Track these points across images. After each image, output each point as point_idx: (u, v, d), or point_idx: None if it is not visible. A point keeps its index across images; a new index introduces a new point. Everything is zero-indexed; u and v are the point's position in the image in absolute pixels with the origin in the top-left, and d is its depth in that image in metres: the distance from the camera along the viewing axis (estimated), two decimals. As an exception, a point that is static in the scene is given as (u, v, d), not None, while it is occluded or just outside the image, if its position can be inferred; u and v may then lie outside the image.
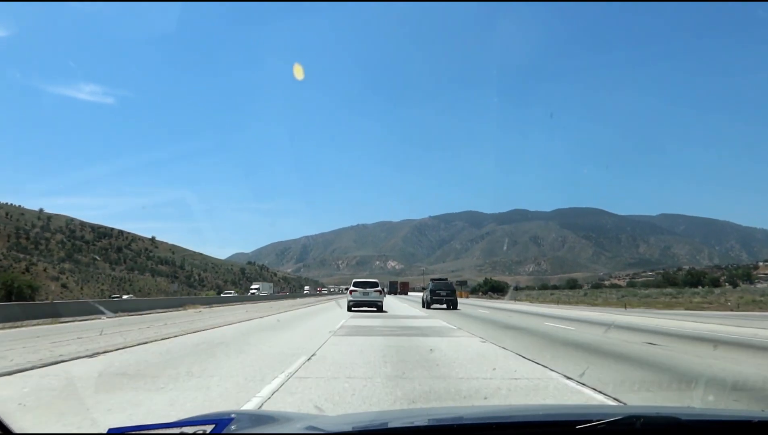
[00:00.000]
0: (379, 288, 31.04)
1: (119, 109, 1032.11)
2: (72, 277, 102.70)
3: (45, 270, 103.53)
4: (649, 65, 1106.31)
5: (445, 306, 36.03)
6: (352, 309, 29.49)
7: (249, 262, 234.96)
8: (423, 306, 38.49)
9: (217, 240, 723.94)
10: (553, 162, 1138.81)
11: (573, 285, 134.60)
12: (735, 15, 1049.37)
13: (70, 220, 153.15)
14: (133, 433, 1.88)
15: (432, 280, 43.84)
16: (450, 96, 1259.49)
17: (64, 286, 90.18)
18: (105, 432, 1.83)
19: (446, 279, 49.17)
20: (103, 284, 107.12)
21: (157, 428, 1.91)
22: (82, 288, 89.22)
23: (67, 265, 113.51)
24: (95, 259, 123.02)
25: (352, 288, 30.82)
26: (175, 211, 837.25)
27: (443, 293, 37.23)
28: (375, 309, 29.72)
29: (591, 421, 1.94)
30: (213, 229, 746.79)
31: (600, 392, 6.30)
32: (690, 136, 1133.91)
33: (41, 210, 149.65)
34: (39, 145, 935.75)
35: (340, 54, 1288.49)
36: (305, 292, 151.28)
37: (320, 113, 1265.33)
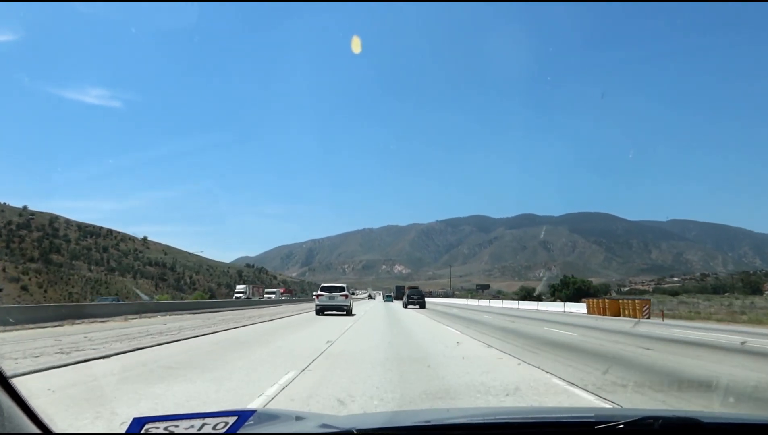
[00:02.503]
0: (345, 292, 31.85)
1: (126, 113, 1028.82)
2: (37, 278, 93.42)
3: (4, 269, 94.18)
4: (659, 69, 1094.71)
5: (417, 306, 52.17)
6: (324, 313, 30.78)
7: (247, 265, 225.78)
8: (403, 306, 54.14)
9: (222, 244, 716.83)
10: (561, 166, 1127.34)
11: (604, 290, 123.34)
12: (750, 15, 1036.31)
13: (54, 218, 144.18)
14: (158, 423, 1.86)
15: (409, 287, 68.58)
16: (458, 100, 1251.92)
17: (23, 288, 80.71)
18: (129, 422, 1.84)
19: (418, 287, 70.04)
20: (73, 287, 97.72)
21: (181, 418, 1.91)
22: (45, 290, 79.89)
23: (34, 265, 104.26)
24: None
25: (318, 292, 31.97)
26: (180, 214, 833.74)
27: (415, 297, 54.28)
28: (344, 313, 31.06)
29: (609, 422, 1.93)
30: (218, 232, 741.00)
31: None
32: (699, 142, 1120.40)
33: (25, 207, 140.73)
34: (43, 148, 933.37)
35: (350, 57, 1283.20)
36: (237, 295, 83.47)
37: (328, 117, 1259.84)
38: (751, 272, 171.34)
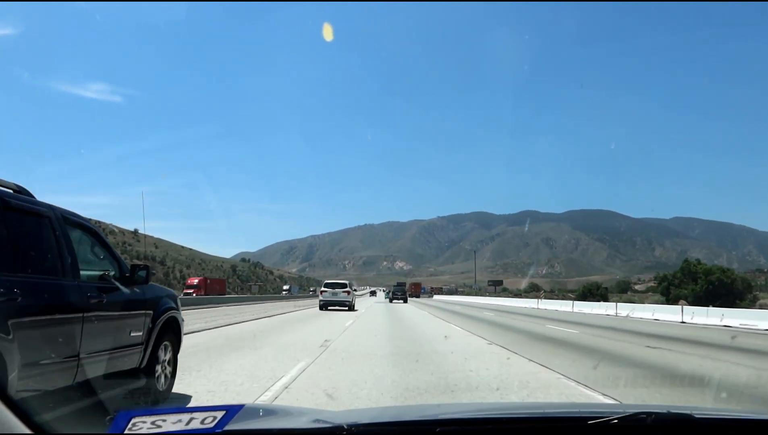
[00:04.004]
0: (347, 289, 34.52)
1: (127, 108, 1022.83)
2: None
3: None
4: (662, 69, 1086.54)
5: (401, 301, 60.25)
6: (327, 308, 32.85)
7: (243, 259, 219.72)
8: (389, 301, 61.13)
9: (223, 239, 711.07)
10: (562, 164, 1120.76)
11: (623, 287, 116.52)
12: (758, 15, 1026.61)
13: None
14: (144, 417, 1.81)
15: (394, 285, 77.70)
16: (459, 97, 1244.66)
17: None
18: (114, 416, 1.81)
19: (402, 284, 79.57)
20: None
21: (168, 413, 1.87)
22: (12, 284, 73.93)
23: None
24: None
25: (322, 289, 35.15)
26: (181, 210, 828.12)
27: (399, 294, 64.07)
28: (346, 308, 33.34)
29: (602, 417, 1.92)
30: (218, 228, 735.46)
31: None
32: (701, 141, 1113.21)
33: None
34: (45, 143, 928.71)
35: (349, 55, 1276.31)
36: None
37: (329, 114, 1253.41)
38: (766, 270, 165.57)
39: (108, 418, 4.09)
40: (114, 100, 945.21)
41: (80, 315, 4.67)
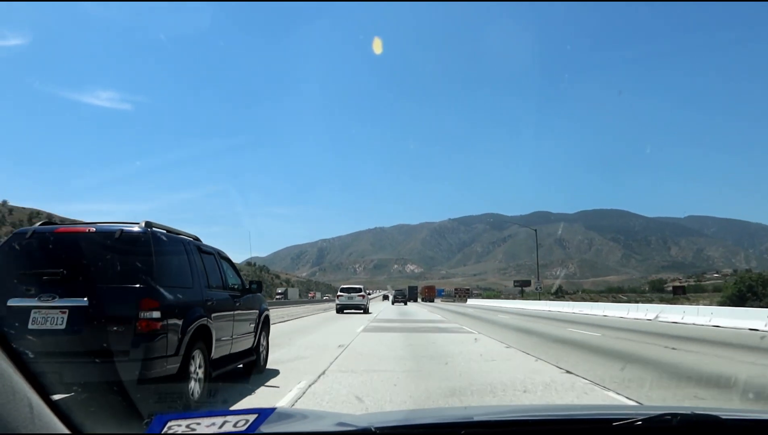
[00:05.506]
0: (362, 293, 37.66)
1: (140, 117, 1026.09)
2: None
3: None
4: (674, 67, 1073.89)
5: (402, 303, 67.75)
6: (344, 312, 35.53)
7: (248, 263, 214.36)
8: (392, 303, 69.19)
9: (232, 244, 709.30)
10: (573, 164, 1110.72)
11: (658, 287, 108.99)
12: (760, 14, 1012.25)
13: (35, 214, 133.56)
14: (180, 420, 1.85)
15: (395, 289, 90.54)
16: (469, 99, 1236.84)
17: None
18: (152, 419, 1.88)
19: (403, 289, 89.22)
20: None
21: (203, 416, 1.92)
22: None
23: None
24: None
25: (339, 293, 38.15)
26: (192, 215, 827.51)
27: (400, 297, 72.42)
28: (361, 311, 36.20)
29: (628, 419, 1.91)
30: (230, 233, 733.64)
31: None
32: (713, 139, 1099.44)
33: (4, 202, 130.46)
34: (53, 151, 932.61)
35: (358, 56, 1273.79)
36: None
37: (338, 119, 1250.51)
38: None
39: (145, 421, 4.47)
40: (123, 108, 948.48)
41: (232, 313, 7.90)
